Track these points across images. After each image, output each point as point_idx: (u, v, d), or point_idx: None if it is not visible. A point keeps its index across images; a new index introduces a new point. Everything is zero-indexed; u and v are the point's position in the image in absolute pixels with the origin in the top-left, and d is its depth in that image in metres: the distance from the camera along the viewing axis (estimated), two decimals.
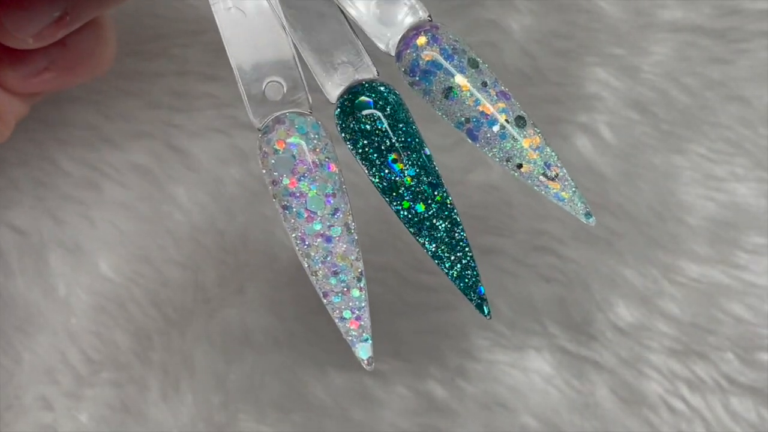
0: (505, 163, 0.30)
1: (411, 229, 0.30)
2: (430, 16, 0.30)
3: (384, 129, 0.30)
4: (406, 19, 0.30)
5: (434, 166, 0.30)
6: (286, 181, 0.29)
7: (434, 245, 0.30)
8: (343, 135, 0.30)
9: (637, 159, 0.40)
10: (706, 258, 0.39)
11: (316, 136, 0.30)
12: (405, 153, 0.30)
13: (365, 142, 0.30)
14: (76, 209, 0.40)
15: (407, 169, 0.30)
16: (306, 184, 0.29)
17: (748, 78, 0.40)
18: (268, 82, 0.30)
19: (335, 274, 0.29)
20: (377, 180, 0.30)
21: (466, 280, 0.30)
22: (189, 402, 0.39)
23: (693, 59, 0.40)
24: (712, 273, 0.39)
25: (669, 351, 0.39)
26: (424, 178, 0.30)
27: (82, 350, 0.39)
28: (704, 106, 0.40)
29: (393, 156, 0.30)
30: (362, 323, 0.30)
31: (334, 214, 0.29)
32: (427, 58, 0.30)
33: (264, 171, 0.29)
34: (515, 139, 0.30)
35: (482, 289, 0.30)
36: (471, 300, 0.30)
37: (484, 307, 0.30)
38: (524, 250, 0.39)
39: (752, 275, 0.39)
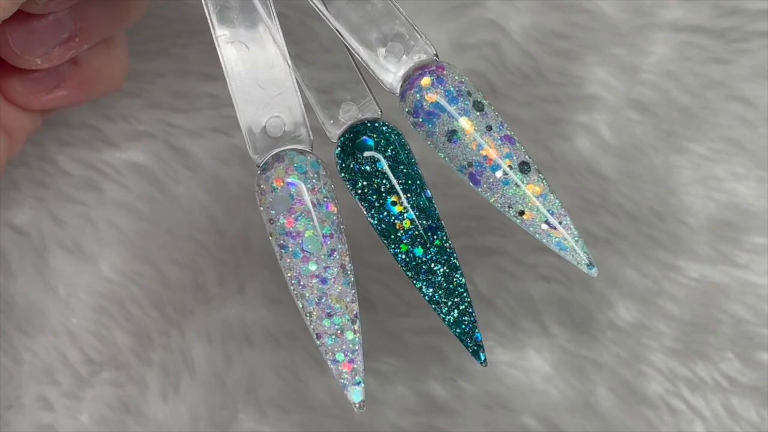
0: (507, 209, 0.29)
1: (408, 273, 0.29)
2: (436, 54, 0.30)
3: (384, 171, 0.29)
4: (412, 57, 0.30)
5: (435, 209, 0.30)
6: (282, 220, 0.29)
7: (431, 290, 0.30)
8: (342, 175, 0.30)
9: (637, 159, 0.40)
10: (706, 258, 0.39)
11: (315, 176, 0.29)
12: (405, 195, 0.29)
13: (365, 183, 0.29)
14: (76, 209, 0.40)
15: (407, 213, 0.29)
16: (303, 224, 0.29)
17: (749, 78, 0.40)
18: (270, 118, 0.30)
19: (329, 316, 0.29)
20: (376, 222, 0.29)
21: (463, 326, 0.30)
22: (189, 402, 0.39)
23: (693, 59, 0.40)
24: (712, 273, 0.39)
25: (669, 351, 0.39)
26: (424, 222, 0.29)
27: (82, 350, 0.39)
28: (704, 106, 0.40)
29: (392, 198, 0.29)
30: (355, 366, 0.29)
31: (330, 255, 0.29)
32: (430, 100, 0.29)
33: (261, 209, 0.29)
34: (518, 186, 0.29)
35: (479, 335, 0.30)
36: (467, 347, 0.30)
37: (480, 354, 0.30)
38: (524, 250, 0.39)
39: (752, 275, 0.39)
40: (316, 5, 0.30)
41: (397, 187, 0.29)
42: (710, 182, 0.40)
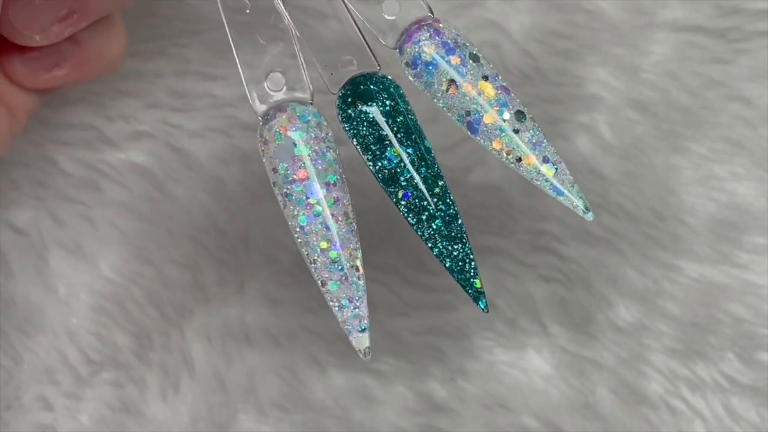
0: (504, 156, 0.30)
1: (410, 220, 0.30)
2: (431, 11, 0.31)
3: (384, 119, 0.30)
4: (408, 13, 0.31)
5: (434, 158, 0.30)
6: (286, 168, 0.29)
7: (433, 237, 0.30)
8: (343, 125, 0.30)
9: (637, 159, 0.40)
10: (707, 258, 0.39)
11: (318, 125, 0.30)
12: (405, 143, 0.30)
13: (366, 131, 0.30)
14: (76, 209, 0.39)
15: (408, 159, 0.30)
16: (306, 171, 0.29)
17: (749, 78, 0.40)
18: (271, 71, 0.30)
19: (334, 262, 0.29)
20: (377, 169, 0.30)
21: (465, 273, 0.30)
22: (189, 402, 0.39)
23: (693, 59, 0.40)
24: (712, 273, 0.39)
25: (669, 351, 0.39)
26: (424, 170, 0.30)
27: (82, 350, 0.39)
28: (705, 105, 0.40)
29: (393, 150, 0.30)
30: (360, 312, 0.30)
31: (335, 203, 0.29)
32: (428, 51, 0.30)
33: (264, 159, 0.30)
34: (515, 133, 0.30)
35: (477, 283, 0.30)
36: (468, 293, 0.31)
37: (481, 300, 0.31)
38: (524, 250, 0.39)
39: (752, 275, 0.39)
40: None
41: (398, 135, 0.30)
42: (710, 182, 0.40)
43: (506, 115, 0.30)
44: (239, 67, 0.30)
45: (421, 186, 0.30)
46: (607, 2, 0.40)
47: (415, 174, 0.30)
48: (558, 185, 0.30)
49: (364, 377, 0.39)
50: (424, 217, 0.30)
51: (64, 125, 0.40)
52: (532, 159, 0.30)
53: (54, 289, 0.39)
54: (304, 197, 0.29)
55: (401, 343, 0.39)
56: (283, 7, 0.31)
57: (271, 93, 0.30)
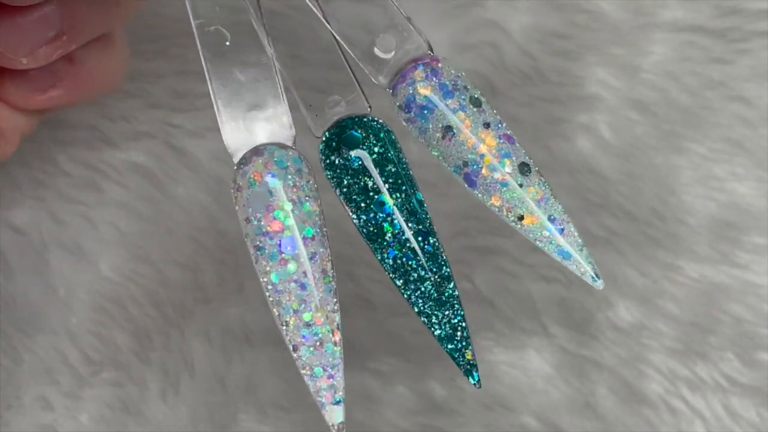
0: (505, 214, 0.27)
1: (396, 282, 0.27)
2: (431, 48, 0.28)
3: (371, 169, 0.27)
4: (404, 50, 0.28)
5: (426, 213, 0.27)
6: (260, 219, 0.27)
7: (421, 301, 0.27)
8: (326, 172, 0.27)
9: (637, 159, 0.40)
10: (707, 258, 0.39)
11: (297, 172, 0.27)
12: (392, 196, 0.27)
13: (350, 181, 0.27)
14: (76, 209, 0.39)
15: (394, 215, 0.27)
16: (281, 223, 0.26)
17: (749, 78, 0.40)
18: (250, 109, 0.28)
19: (308, 326, 0.27)
20: (361, 224, 0.27)
21: (455, 343, 0.27)
22: (189, 402, 0.39)
23: (693, 59, 0.40)
24: (712, 273, 0.39)
25: (669, 351, 0.39)
26: (413, 225, 0.27)
27: (82, 350, 0.39)
28: (704, 105, 0.40)
29: (378, 198, 0.27)
30: (334, 383, 0.27)
31: (311, 259, 0.27)
32: (424, 94, 0.27)
33: (237, 207, 0.27)
34: (517, 189, 0.27)
35: (472, 350, 0.28)
36: (459, 366, 0.27)
37: (474, 374, 0.28)
38: (524, 250, 0.39)
39: (752, 275, 0.39)
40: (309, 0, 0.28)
41: (386, 186, 0.27)
42: (710, 182, 0.40)
43: (508, 168, 0.27)
44: (214, 103, 0.27)
45: (411, 243, 0.27)
46: (607, 2, 0.40)
47: (406, 229, 0.27)
48: (565, 248, 0.27)
49: (364, 377, 0.39)
50: (411, 279, 0.27)
51: (64, 125, 0.40)
52: (535, 218, 0.27)
53: (54, 289, 0.39)
54: (278, 251, 0.26)
55: (401, 343, 0.39)
56: (266, 41, 0.28)
57: (253, 134, 0.27)
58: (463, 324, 0.27)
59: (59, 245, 0.39)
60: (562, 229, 0.27)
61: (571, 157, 0.40)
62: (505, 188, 0.27)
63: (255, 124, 0.28)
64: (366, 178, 0.27)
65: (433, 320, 0.27)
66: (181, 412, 0.39)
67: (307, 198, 0.27)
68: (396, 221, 0.27)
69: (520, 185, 0.27)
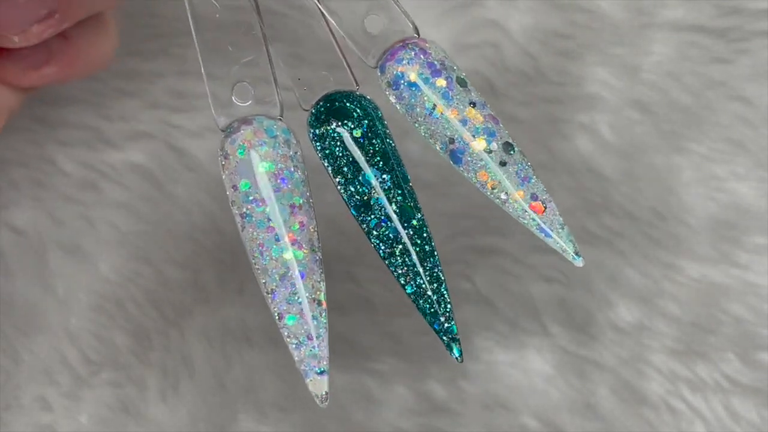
0: (489, 190, 0.28)
1: (381, 254, 0.28)
2: (417, 30, 0.29)
3: (360, 141, 0.28)
4: (392, 30, 0.28)
5: (411, 188, 0.28)
6: (247, 186, 0.27)
7: (404, 273, 0.28)
8: (314, 143, 0.28)
9: (637, 159, 0.40)
10: (707, 258, 0.39)
11: (286, 142, 0.27)
12: (382, 169, 0.28)
13: (338, 153, 0.28)
14: (75, 210, 0.39)
15: (382, 185, 0.28)
16: (269, 191, 0.27)
17: (749, 77, 0.40)
18: (237, 83, 0.28)
19: (293, 294, 0.27)
20: (347, 195, 0.28)
21: (433, 309, 0.28)
22: (189, 402, 0.39)
23: (694, 59, 0.40)
24: (712, 273, 0.39)
25: (669, 351, 0.39)
26: (400, 199, 0.28)
27: (82, 350, 0.39)
28: (705, 105, 0.40)
29: (366, 171, 0.28)
30: (318, 353, 0.27)
31: (300, 228, 0.27)
32: (411, 70, 0.28)
33: (224, 174, 0.27)
34: (501, 166, 0.28)
35: (455, 327, 0.28)
36: (442, 339, 0.28)
37: (454, 348, 0.28)
38: (524, 250, 0.39)
39: (753, 275, 0.39)
40: None
41: (373, 160, 0.28)
42: (711, 182, 0.39)
43: (493, 146, 0.27)
44: (203, 74, 0.28)
45: (396, 216, 0.27)
46: (608, 2, 0.40)
47: (389, 203, 0.27)
48: (545, 226, 0.28)
49: (364, 377, 0.39)
50: (397, 251, 0.28)
51: (63, 125, 0.40)
52: (518, 195, 0.28)
53: (53, 289, 0.39)
54: (266, 219, 0.27)
55: (401, 343, 0.39)
56: (257, 14, 0.28)
57: (237, 105, 0.28)
58: (447, 298, 0.28)
59: (58, 245, 0.39)
60: (545, 207, 0.28)
61: (571, 157, 0.40)
62: (489, 165, 0.28)
63: (244, 95, 0.28)
64: (354, 150, 0.28)
65: (418, 292, 0.28)
66: (180, 412, 0.39)
67: (295, 168, 0.27)
68: (381, 194, 0.28)
69: (504, 163, 0.28)
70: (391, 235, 0.28)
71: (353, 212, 0.28)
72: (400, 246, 0.28)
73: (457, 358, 0.28)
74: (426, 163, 0.38)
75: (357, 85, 0.29)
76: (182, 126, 0.40)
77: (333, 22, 0.28)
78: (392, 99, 0.28)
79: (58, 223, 0.39)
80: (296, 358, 0.27)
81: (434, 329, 0.28)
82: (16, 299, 0.39)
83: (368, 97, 0.28)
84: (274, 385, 0.39)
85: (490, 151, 0.28)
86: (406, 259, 0.28)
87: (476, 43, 0.40)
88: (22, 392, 0.39)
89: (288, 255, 0.27)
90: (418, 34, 0.29)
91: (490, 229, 0.39)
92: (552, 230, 0.28)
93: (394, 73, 0.28)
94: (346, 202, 0.28)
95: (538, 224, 0.28)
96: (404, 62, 0.28)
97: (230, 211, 0.40)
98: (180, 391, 0.39)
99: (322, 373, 0.27)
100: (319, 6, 0.28)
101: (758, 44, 0.40)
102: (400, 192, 0.28)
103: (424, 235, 0.28)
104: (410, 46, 0.28)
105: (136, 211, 0.39)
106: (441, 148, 0.28)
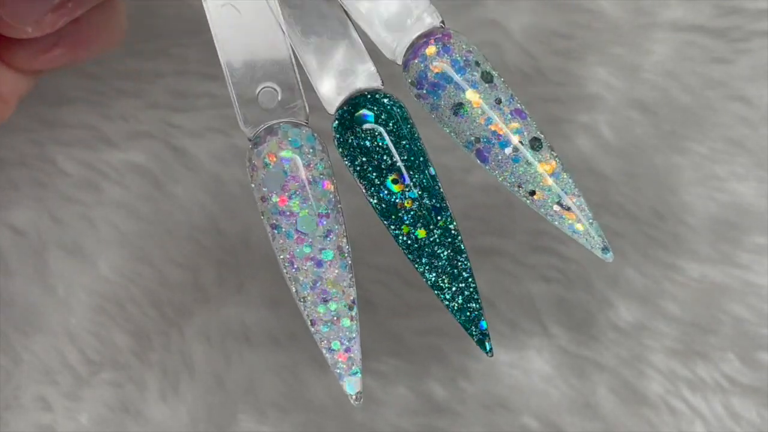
0: (516, 188, 0.27)
1: (410, 256, 0.28)
2: (443, 21, 0.28)
3: (385, 146, 0.27)
4: (416, 24, 0.28)
5: (439, 188, 0.28)
6: (275, 198, 0.27)
7: (434, 275, 0.28)
8: (340, 150, 0.28)
9: (637, 159, 0.40)
10: (707, 258, 0.39)
11: (311, 150, 0.27)
12: (408, 173, 0.28)
13: (364, 159, 0.27)
14: (75, 210, 0.39)
15: (409, 191, 0.27)
16: (297, 202, 0.27)
17: (749, 77, 0.40)
18: (262, 88, 0.28)
19: (325, 301, 0.27)
20: (375, 201, 0.28)
21: (468, 314, 0.28)
22: (189, 402, 0.39)
23: (694, 59, 0.40)
24: (712, 273, 0.39)
25: (669, 351, 0.39)
26: (427, 201, 0.28)
27: (82, 350, 0.39)
28: (705, 105, 0.40)
29: (392, 176, 0.27)
30: (352, 355, 0.28)
31: (326, 237, 0.27)
32: (436, 70, 0.27)
33: (253, 186, 0.27)
34: (529, 163, 0.27)
35: (484, 323, 0.28)
36: (472, 336, 0.28)
37: (486, 344, 0.28)
38: (524, 250, 0.39)
39: (753, 275, 0.39)
40: None
41: (399, 163, 0.27)
42: (711, 182, 0.39)
43: (519, 143, 0.27)
44: (228, 82, 0.28)
45: (425, 219, 0.28)
46: (608, 2, 0.40)
47: (416, 206, 0.27)
48: (575, 224, 0.28)
49: (364, 377, 0.39)
50: (425, 253, 0.28)
51: (63, 125, 0.40)
52: (546, 193, 0.27)
53: (53, 289, 0.39)
54: (294, 230, 0.27)
55: (401, 343, 0.39)
56: (280, 16, 0.28)
57: (262, 110, 0.28)
58: (476, 296, 0.28)
59: (59, 245, 0.39)
60: (573, 203, 0.28)
61: (571, 157, 0.40)
62: (516, 163, 0.27)
63: (269, 100, 0.28)
64: (379, 156, 0.27)
65: (446, 293, 0.28)
66: (180, 412, 0.39)
67: (321, 176, 0.27)
68: (408, 199, 0.28)
69: (532, 160, 0.27)
70: (417, 239, 0.28)
71: (380, 217, 0.28)
72: (428, 250, 0.28)
73: (487, 353, 0.29)
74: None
75: (382, 81, 0.28)
76: (182, 126, 0.40)
77: (356, 17, 0.28)
78: (416, 98, 0.28)
79: (58, 223, 0.39)
80: (330, 362, 0.28)
81: (464, 327, 0.28)
82: (16, 299, 0.39)
83: (393, 96, 0.28)
84: (274, 385, 0.39)
85: (516, 150, 0.27)
86: (434, 262, 0.28)
87: (476, 43, 0.40)
88: (22, 392, 0.39)
89: (317, 266, 0.27)
90: (444, 25, 0.28)
91: (490, 229, 0.39)
92: (581, 230, 0.28)
93: (417, 72, 0.28)
94: (373, 207, 0.28)
95: (567, 221, 0.28)
96: (427, 60, 0.27)
97: (230, 210, 0.40)
98: (180, 391, 0.39)
99: (355, 374, 0.28)
100: (344, 7, 0.28)
101: (758, 44, 0.40)
102: (426, 195, 0.28)
103: (449, 239, 0.28)
104: (434, 41, 0.28)
105: (136, 211, 0.39)
106: (467, 147, 0.28)
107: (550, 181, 0.27)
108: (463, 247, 0.28)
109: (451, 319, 0.39)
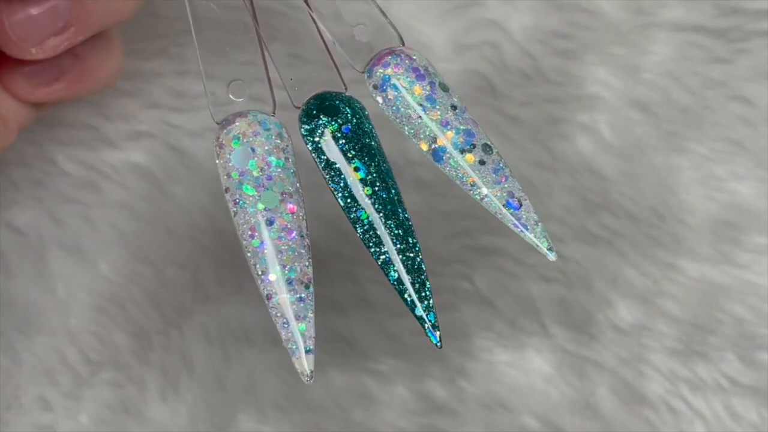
0: (469, 188, 0.30)
1: (368, 243, 0.29)
2: (402, 42, 0.30)
3: (348, 135, 0.29)
4: (379, 40, 0.30)
5: (394, 183, 0.30)
6: (241, 174, 0.28)
7: (387, 261, 0.29)
8: (305, 137, 0.30)
9: (637, 159, 0.40)
10: (707, 258, 0.39)
11: (278, 135, 0.29)
12: (367, 163, 0.29)
13: (328, 148, 0.29)
14: (75, 210, 0.39)
15: (369, 180, 0.29)
16: (263, 180, 0.29)
17: (749, 77, 0.40)
18: (233, 81, 0.30)
19: (282, 277, 0.28)
20: (339, 190, 0.29)
21: (419, 304, 0.29)
22: (189, 402, 0.39)
23: (694, 59, 0.40)
24: (712, 273, 0.39)
25: (669, 351, 0.39)
26: (383, 194, 0.29)
27: (82, 351, 0.39)
28: (705, 105, 0.40)
29: (354, 165, 0.29)
30: (306, 332, 0.28)
31: (288, 213, 0.29)
32: (398, 73, 0.30)
33: (218, 162, 0.29)
34: (479, 166, 0.29)
35: (433, 316, 0.29)
36: (422, 325, 0.29)
37: (434, 335, 0.30)
38: (524, 250, 0.39)
39: (753, 275, 0.39)
40: None
41: (359, 155, 0.29)
42: (711, 182, 0.39)
43: (473, 146, 0.29)
44: (201, 72, 0.30)
45: (376, 212, 0.29)
46: (608, 2, 0.40)
47: (371, 197, 0.29)
48: (521, 222, 0.29)
49: (364, 377, 0.39)
50: (381, 241, 0.29)
51: (63, 125, 0.40)
52: (495, 193, 0.29)
53: (53, 289, 0.39)
54: (257, 204, 0.28)
55: (401, 343, 0.39)
56: (253, 17, 0.30)
57: (233, 101, 0.30)
58: (427, 282, 0.29)
59: (59, 245, 0.39)
60: (520, 204, 0.30)
61: (571, 157, 0.40)
62: (468, 165, 0.30)
63: (239, 92, 0.30)
64: (342, 146, 0.29)
65: (404, 285, 0.29)
66: (180, 412, 0.39)
67: (286, 159, 0.29)
68: (366, 188, 0.29)
69: (483, 162, 0.29)
70: (372, 226, 0.29)
71: (341, 204, 0.29)
72: (378, 234, 0.29)
73: (436, 345, 0.30)
74: (426, 163, 0.38)
75: (345, 87, 0.30)
76: (182, 126, 0.40)
77: (323, 27, 0.30)
78: (378, 100, 0.30)
79: (58, 223, 0.39)
80: (283, 337, 0.28)
81: (415, 314, 0.30)
82: (16, 299, 0.39)
83: (354, 97, 0.30)
84: (274, 385, 0.39)
85: (468, 152, 0.29)
86: (382, 247, 0.29)
87: (476, 43, 0.40)
88: (22, 392, 0.39)
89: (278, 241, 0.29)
90: (404, 44, 0.30)
91: (490, 229, 0.39)
92: (528, 227, 0.30)
93: (381, 76, 0.30)
94: (333, 194, 0.29)
95: (513, 222, 0.30)
96: (390, 66, 0.30)
97: (230, 211, 0.40)
98: (180, 391, 0.39)
99: (308, 351, 0.28)
100: (311, 12, 0.30)
101: (758, 44, 0.40)
102: (383, 185, 0.29)
103: (405, 225, 0.30)
104: (396, 52, 0.30)
105: (136, 211, 0.39)
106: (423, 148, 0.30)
107: (498, 183, 0.29)
108: (417, 243, 0.29)
109: (450, 318, 0.39)
